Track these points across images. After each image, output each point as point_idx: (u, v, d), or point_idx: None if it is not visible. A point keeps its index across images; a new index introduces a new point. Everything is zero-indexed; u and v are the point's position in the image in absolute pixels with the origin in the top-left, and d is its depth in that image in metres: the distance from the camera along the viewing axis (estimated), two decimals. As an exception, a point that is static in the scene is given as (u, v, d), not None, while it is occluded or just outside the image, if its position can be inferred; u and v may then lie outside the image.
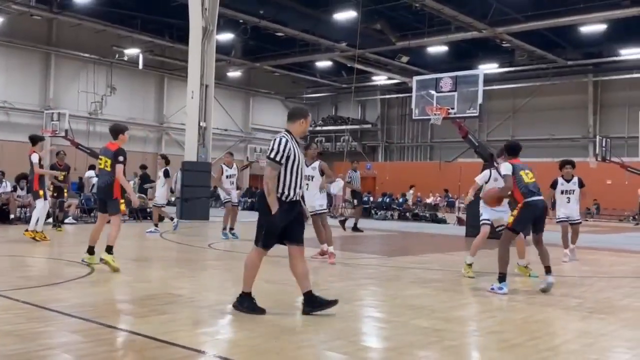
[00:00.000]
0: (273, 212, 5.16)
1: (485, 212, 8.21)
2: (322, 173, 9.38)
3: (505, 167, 7.20)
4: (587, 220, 28.09)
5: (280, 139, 5.25)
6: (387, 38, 29.98)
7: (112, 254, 7.65)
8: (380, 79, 38.78)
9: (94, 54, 33.04)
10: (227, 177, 12.81)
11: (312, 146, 9.68)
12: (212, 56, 19.82)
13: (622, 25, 26.17)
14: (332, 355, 4.24)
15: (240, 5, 26.31)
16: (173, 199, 20.88)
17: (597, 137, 26.84)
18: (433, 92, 16.06)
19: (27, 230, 10.78)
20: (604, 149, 24.80)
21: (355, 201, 16.89)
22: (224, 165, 12.96)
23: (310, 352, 4.38)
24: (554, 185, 10.39)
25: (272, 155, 5.21)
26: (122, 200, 8.00)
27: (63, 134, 22.95)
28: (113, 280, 7.18)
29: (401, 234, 17.37)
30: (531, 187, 7.06)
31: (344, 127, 42.55)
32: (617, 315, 6.01)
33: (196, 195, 18.95)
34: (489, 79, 30.52)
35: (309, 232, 6.25)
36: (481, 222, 8.31)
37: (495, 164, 9.10)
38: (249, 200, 29.58)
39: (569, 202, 10.34)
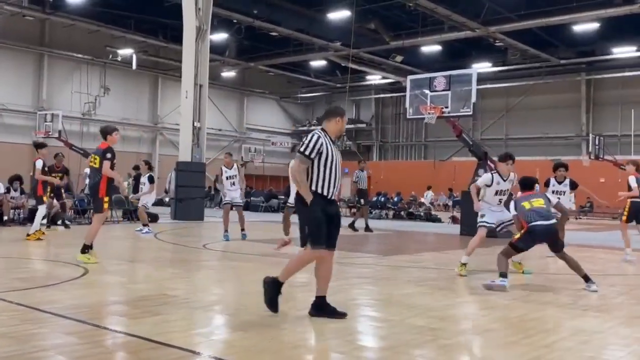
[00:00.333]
0: (308, 203, 5.07)
1: (488, 215, 8.30)
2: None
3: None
4: (580, 218, 28.23)
5: (313, 135, 5.17)
6: (381, 37, 30.01)
7: (86, 252, 8.02)
8: (375, 78, 38.81)
9: (87, 55, 32.91)
10: (226, 178, 12.78)
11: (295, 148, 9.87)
12: (206, 56, 19.79)
13: (615, 23, 26.27)
14: (328, 354, 4.24)
15: (234, 5, 26.27)
16: (167, 199, 20.86)
17: (590, 135, 27.01)
18: (427, 91, 16.10)
19: (28, 235, 10.98)
20: (597, 147, 24.96)
21: (362, 201, 16.86)
22: (223, 167, 12.94)
23: (306, 352, 4.37)
24: (546, 184, 10.85)
25: (301, 149, 5.13)
26: (106, 199, 8.22)
27: (56, 135, 22.88)
28: (107, 282, 7.15)
29: (396, 232, 17.39)
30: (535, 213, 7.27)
31: (338, 126, 42.50)
32: (612, 313, 6.03)
33: (190, 196, 18.93)
34: (482, 78, 30.60)
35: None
36: (480, 224, 8.33)
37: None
38: (244, 200, 29.55)
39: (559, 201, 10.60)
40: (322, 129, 5.30)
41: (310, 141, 5.12)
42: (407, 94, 16.95)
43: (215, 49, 28.93)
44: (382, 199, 27.26)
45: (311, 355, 4.34)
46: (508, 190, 8.54)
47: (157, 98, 37.29)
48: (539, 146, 36.06)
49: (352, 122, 44.21)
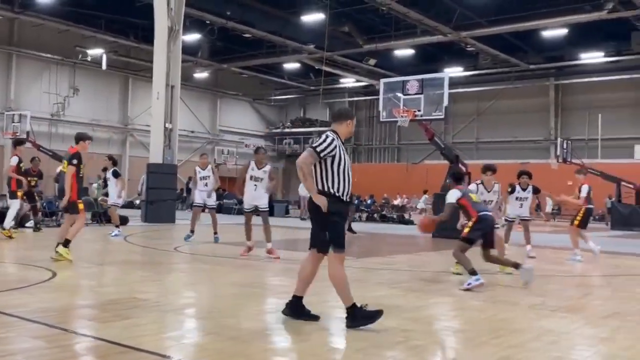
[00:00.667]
0: (313, 197, 4.94)
1: None
2: (270, 178, 10.04)
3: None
4: (548, 220, 28.69)
5: (327, 136, 5.08)
6: (355, 41, 30.17)
7: (67, 247, 8.35)
8: (348, 81, 38.98)
9: (56, 55, 32.40)
10: (200, 178, 12.67)
11: (260, 151, 10.18)
12: (178, 57, 19.63)
13: (583, 30, 26.84)
14: (300, 356, 4.23)
15: (206, 6, 26.13)
16: (138, 202, 20.61)
17: (559, 139, 27.53)
18: (400, 94, 16.24)
19: (4, 229, 11.25)
20: (565, 150, 25.44)
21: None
22: (197, 167, 12.83)
23: (278, 355, 4.37)
24: (511, 191, 11.37)
25: (314, 145, 5.04)
26: (79, 201, 8.61)
27: (24, 135, 22.46)
28: (76, 285, 7.04)
29: (369, 235, 17.46)
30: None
31: (312, 129, 42.61)
32: (579, 314, 6.15)
33: (162, 198, 18.73)
34: (454, 82, 31.00)
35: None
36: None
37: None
38: (217, 202, 29.38)
39: (521, 207, 11.35)
40: (334, 131, 5.21)
41: (324, 141, 5.03)
42: (381, 97, 17.07)
43: (188, 50, 28.72)
44: (356, 201, 27.34)
45: (283, 358, 4.33)
46: (492, 201, 8.79)
47: (127, 99, 36.87)
48: (509, 150, 36.61)
49: (325, 124, 44.25)
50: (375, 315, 4.94)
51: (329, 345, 4.71)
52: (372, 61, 33.78)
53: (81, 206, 8.66)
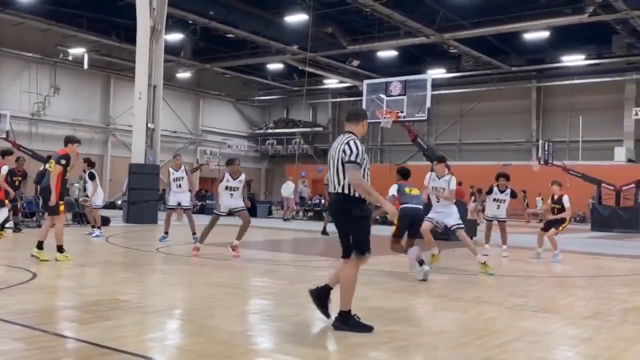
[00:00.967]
0: (384, 207, 5.21)
1: (430, 212, 9.56)
2: (246, 185, 10.56)
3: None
4: (530, 221, 28.96)
5: (355, 141, 5.00)
6: (338, 42, 30.19)
7: (63, 251, 8.61)
8: (332, 82, 38.99)
9: (37, 53, 31.98)
10: (173, 180, 12.61)
11: (235, 162, 10.39)
12: (161, 57, 19.51)
13: (564, 32, 27.10)
14: (283, 358, 4.22)
15: (189, 6, 25.96)
16: (120, 202, 20.42)
17: (540, 141, 27.77)
18: (383, 95, 16.30)
19: None
20: (546, 152, 25.67)
21: None
22: (170, 169, 12.76)
23: (259, 356, 4.34)
24: (489, 192, 11.84)
25: (353, 158, 4.91)
26: (61, 202, 8.73)
27: (4, 135, 22.18)
28: (57, 286, 6.96)
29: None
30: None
31: (295, 129, 42.56)
32: (561, 314, 6.21)
33: (144, 199, 18.59)
34: (437, 84, 31.16)
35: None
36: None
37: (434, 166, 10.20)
38: (199, 203, 29.19)
39: (498, 208, 11.80)
40: (351, 132, 5.15)
41: (356, 148, 4.95)
42: (364, 98, 17.11)
43: (170, 50, 28.54)
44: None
45: (265, 359, 4.31)
46: (444, 189, 9.44)
47: (109, 98, 36.49)
48: (491, 151, 36.87)
49: (309, 125, 44.31)
50: (364, 328, 4.94)
51: (312, 346, 4.70)
52: (356, 62, 33.82)
53: (62, 208, 8.76)
